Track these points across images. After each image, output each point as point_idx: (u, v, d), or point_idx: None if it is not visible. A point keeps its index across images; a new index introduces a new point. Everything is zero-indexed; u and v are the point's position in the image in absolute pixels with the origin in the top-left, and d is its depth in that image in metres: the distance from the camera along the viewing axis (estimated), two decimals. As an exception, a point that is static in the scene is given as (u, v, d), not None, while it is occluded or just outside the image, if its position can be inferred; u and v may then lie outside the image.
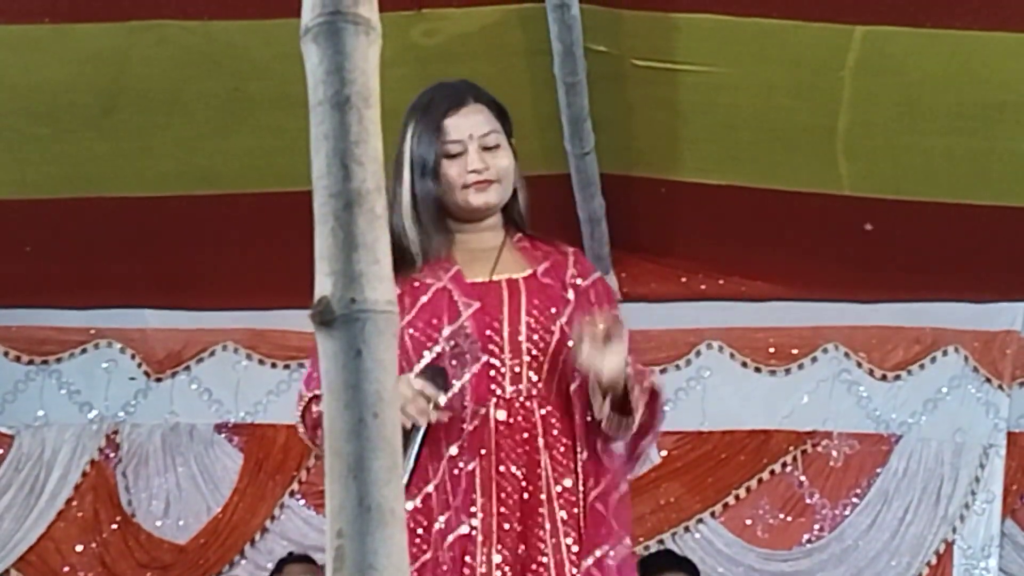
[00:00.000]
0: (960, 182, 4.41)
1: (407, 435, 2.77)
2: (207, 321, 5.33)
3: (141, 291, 5.20)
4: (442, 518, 2.84)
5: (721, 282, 5.20)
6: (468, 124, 3.05)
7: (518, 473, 2.88)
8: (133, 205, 4.66)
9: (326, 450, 1.36)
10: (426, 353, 2.91)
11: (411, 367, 2.88)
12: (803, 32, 3.95)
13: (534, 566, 2.85)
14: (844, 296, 5.11)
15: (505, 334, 2.95)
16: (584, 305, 3.03)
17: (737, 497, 5.23)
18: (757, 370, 5.24)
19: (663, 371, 5.17)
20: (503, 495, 2.87)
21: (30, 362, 5.36)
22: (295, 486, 5.33)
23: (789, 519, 5.23)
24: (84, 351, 5.37)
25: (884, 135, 4.30)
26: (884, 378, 5.19)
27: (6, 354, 5.36)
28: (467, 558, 2.83)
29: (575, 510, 2.90)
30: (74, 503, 5.31)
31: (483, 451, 2.88)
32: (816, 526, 5.21)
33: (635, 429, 2.92)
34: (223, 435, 5.36)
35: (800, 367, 5.22)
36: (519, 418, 2.92)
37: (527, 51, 4.13)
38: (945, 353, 5.18)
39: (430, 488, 2.87)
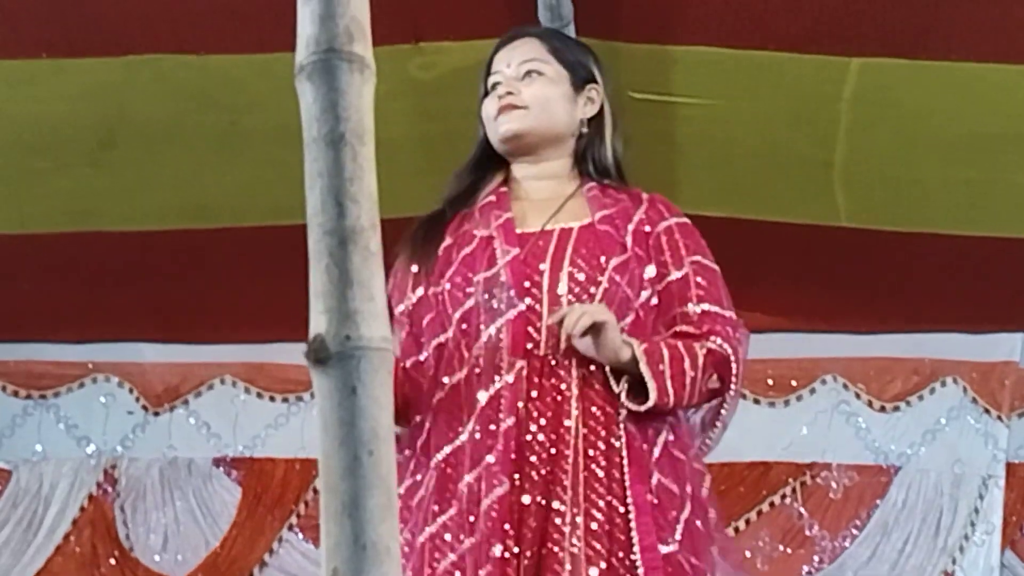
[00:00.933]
0: (958, 213, 4.42)
1: None
2: (205, 355, 5.32)
3: (139, 325, 5.20)
4: (469, 476, 2.64)
5: (719, 314, 5.19)
6: (509, 56, 2.95)
7: (545, 440, 2.67)
8: (131, 239, 4.66)
9: (321, 488, 1.36)
10: (460, 304, 2.75)
11: (447, 320, 2.75)
12: (799, 64, 3.96)
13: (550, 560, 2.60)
14: (842, 327, 5.11)
15: (545, 284, 2.76)
16: (652, 254, 2.86)
17: (737, 529, 5.22)
18: (756, 402, 5.24)
19: (662, 403, 5.17)
20: (532, 461, 2.65)
21: (28, 396, 5.36)
22: (294, 520, 5.32)
23: (789, 551, 5.22)
24: (82, 385, 5.37)
25: (881, 167, 4.31)
26: (883, 409, 5.19)
27: (4, 389, 5.36)
28: (506, 525, 2.60)
29: (605, 495, 2.65)
30: (72, 538, 5.30)
31: (519, 408, 2.67)
32: (816, 558, 5.20)
33: (659, 404, 2.69)
34: (221, 469, 5.35)
35: (799, 399, 5.22)
36: (552, 380, 2.71)
37: (524, 84, 4.13)
38: (944, 384, 5.18)
39: (462, 439, 2.67)
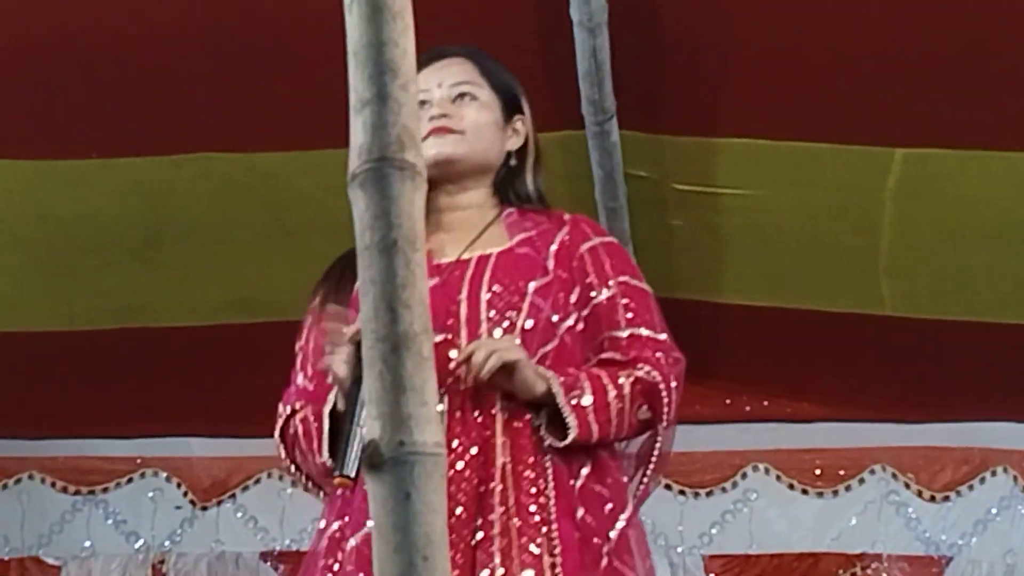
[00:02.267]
0: (1003, 301, 4.40)
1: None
2: (252, 449, 5.30)
3: (186, 420, 5.21)
4: None
5: (766, 403, 5.17)
6: (440, 75, 2.78)
7: (472, 475, 2.53)
8: (178, 335, 4.69)
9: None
10: None
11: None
12: (843, 155, 3.97)
13: None
14: (890, 416, 5.08)
15: (463, 313, 2.62)
16: (576, 275, 2.72)
17: (788, 620, 5.17)
18: (804, 492, 5.19)
19: (709, 494, 5.15)
20: (459, 496, 2.50)
21: (76, 492, 5.36)
22: (340, 614, 5.29)
23: (841, 643, 5.16)
24: (130, 480, 5.36)
25: (926, 255, 4.30)
26: (933, 499, 5.13)
27: (53, 485, 5.36)
28: None
29: (537, 520, 2.51)
30: (121, 634, 5.29)
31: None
32: (868, 651, 5.14)
33: (580, 439, 2.56)
34: (268, 563, 5.32)
35: (848, 488, 5.17)
36: (477, 412, 2.59)
37: (568, 177, 4.15)
38: (994, 473, 5.12)
39: None
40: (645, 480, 2.76)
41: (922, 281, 4.40)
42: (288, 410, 2.76)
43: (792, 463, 5.20)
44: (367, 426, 1.36)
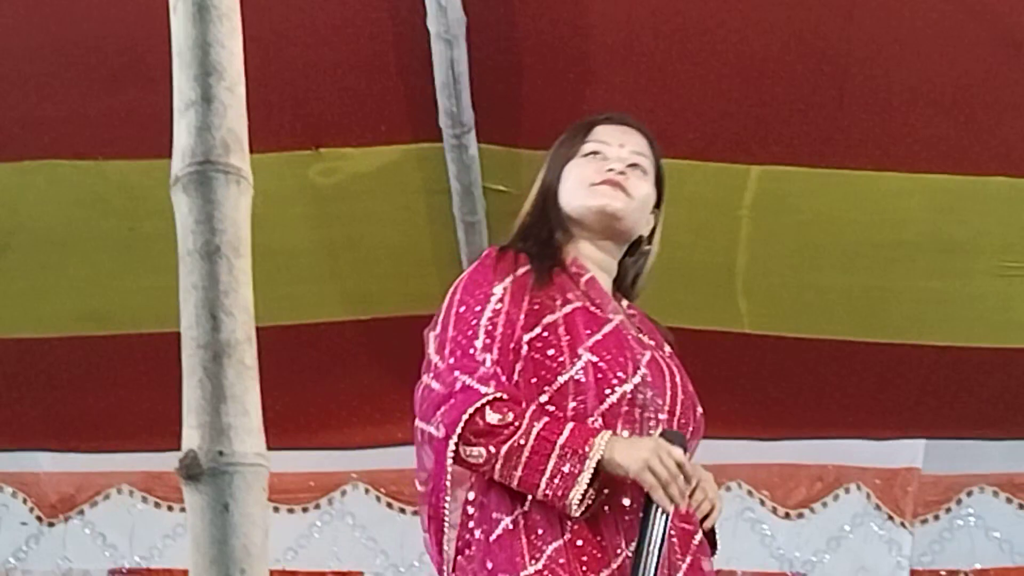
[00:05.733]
0: (858, 320, 4.44)
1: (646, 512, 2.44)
2: (102, 464, 5.21)
3: (35, 434, 5.10)
4: None
5: (623, 420, 5.16)
6: (623, 137, 2.82)
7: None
8: (26, 346, 4.60)
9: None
10: (608, 394, 2.56)
11: (598, 401, 2.56)
12: (700, 172, 3.99)
13: None
14: (746, 434, 5.09)
15: (667, 404, 2.65)
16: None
17: (642, 639, 5.16)
18: (660, 509, 5.19)
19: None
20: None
21: (-81, 509, 5.23)
22: (190, 631, 5.20)
23: (695, 661, 5.16)
24: (-26, 497, 5.25)
25: (782, 273, 4.33)
26: (787, 516, 5.16)
27: None
28: None
29: None
30: (-40, 655, 5.17)
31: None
32: (722, 668, 5.16)
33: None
34: (117, 580, 5.24)
35: (703, 505, 5.18)
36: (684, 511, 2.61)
37: (425, 190, 4.13)
38: (847, 490, 5.16)
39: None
40: None
41: (778, 299, 4.43)
42: (487, 391, 2.51)
43: (648, 480, 5.19)
44: (186, 436, 1.32)
